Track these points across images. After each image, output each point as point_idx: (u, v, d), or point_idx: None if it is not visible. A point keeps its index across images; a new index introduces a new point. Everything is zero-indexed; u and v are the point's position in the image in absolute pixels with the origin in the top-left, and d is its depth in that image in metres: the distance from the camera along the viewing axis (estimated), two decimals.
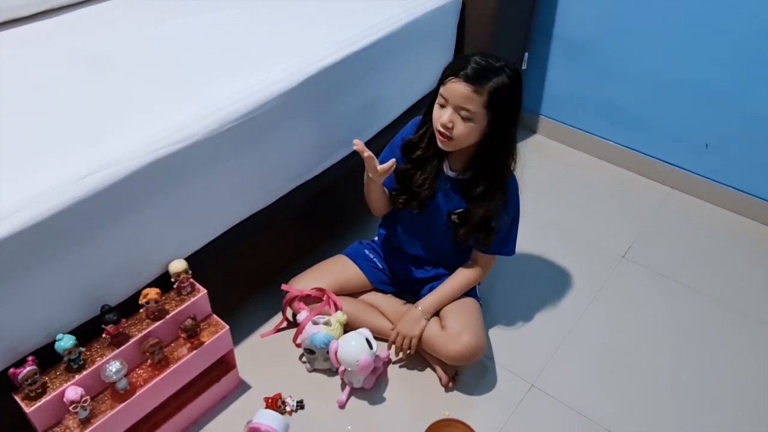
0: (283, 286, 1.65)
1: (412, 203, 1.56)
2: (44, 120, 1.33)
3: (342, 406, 1.54)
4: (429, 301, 1.60)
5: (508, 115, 1.42)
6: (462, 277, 1.62)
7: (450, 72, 1.38)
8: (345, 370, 1.52)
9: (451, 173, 1.54)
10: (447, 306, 1.61)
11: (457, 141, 1.42)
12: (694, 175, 2.27)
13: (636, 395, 1.62)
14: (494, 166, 1.47)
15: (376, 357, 1.53)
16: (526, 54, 2.38)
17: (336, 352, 1.52)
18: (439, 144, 1.45)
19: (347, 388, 1.56)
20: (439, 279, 1.67)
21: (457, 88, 1.36)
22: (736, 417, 1.58)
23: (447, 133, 1.41)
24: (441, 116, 1.40)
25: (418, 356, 1.66)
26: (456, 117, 1.38)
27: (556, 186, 2.34)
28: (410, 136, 1.55)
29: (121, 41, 1.64)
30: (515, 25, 2.21)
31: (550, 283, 1.93)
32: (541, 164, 2.44)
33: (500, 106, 1.38)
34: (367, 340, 1.54)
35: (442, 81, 1.40)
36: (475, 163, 1.50)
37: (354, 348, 1.50)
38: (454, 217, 1.56)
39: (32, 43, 1.63)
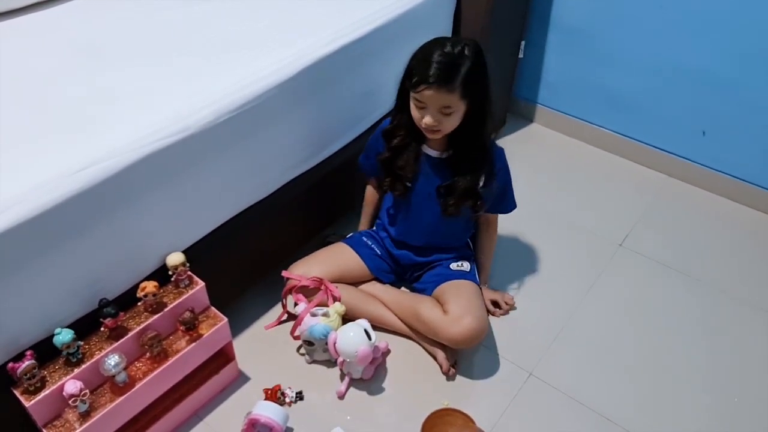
0: (284, 273, 1.65)
1: (396, 186, 1.61)
2: (39, 112, 1.32)
3: (341, 397, 1.55)
4: (484, 278, 1.77)
5: (483, 89, 1.45)
6: (489, 245, 1.76)
7: (418, 78, 1.40)
8: (344, 361, 1.53)
9: (432, 153, 1.57)
10: (448, 290, 1.62)
11: (445, 131, 1.47)
12: (692, 162, 2.27)
13: (634, 383, 1.62)
14: (476, 137, 1.50)
15: (375, 347, 1.54)
16: (523, 42, 2.36)
17: (335, 344, 1.52)
18: (428, 136, 1.50)
19: (346, 379, 1.56)
20: (438, 263, 1.70)
21: (431, 95, 1.40)
22: (734, 403, 1.59)
23: (434, 129, 1.46)
24: (423, 117, 1.45)
25: (416, 346, 1.67)
26: (438, 116, 1.43)
27: (553, 175, 2.34)
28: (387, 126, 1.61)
29: (116, 32, 1.63)
30: (511, 13, 2.20)
31: (548, 271, 1.93)
32: (538, 153, 2.43)
33: (474, 87, 1.41)
34: (366, 331, 1.54)
35: (413, 87, 1.42)
36: (456, 139, 1.53)
37: (353, 339, 1.51)
38: (441, 191, 1.58)
39: (26, 34, 1.62)
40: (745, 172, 2.17)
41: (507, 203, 1.69)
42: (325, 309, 1.58)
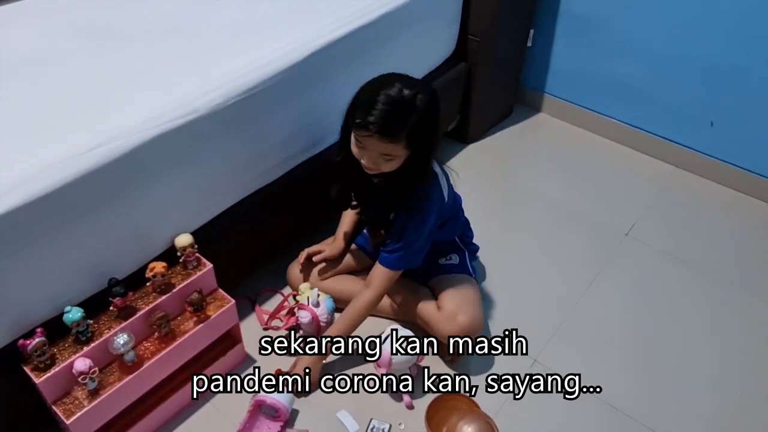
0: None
1: (357, 208, 1.61)
2: (50, 93, 1.33)
3: (411, 406, 1.50)
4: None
5: (430, 139, 1.35)
6: (351, 308, 1.51)
7: (360, 121, 1.29)
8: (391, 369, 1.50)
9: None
10: (440, 285, 1.59)
11: (383, 171, 1.37)
12: (699, 153, 2.26)
13: (638, 372, 1.63)
14: (410, 177, 1.40)
15: None
16: (532, 31, 2.36)
17: (390, 362, 1.47)
18: (366, 170, 1.40)
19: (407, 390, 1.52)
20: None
21: (373, 142, 1.30)
22: (736, 394, 1.59)
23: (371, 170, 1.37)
24: (361, 157, 1.36)
25: (421, 331, 1.68)
26: (378, 159, 1.33)
27: (560, 164, 2.34)
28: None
29: (126, 15, 1.64)
30: (521, 2, 2.19)
31: (554, 260, 1.93)
32: (545, 143, 2.43)
33: (421, 137, 1.32)
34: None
35: (354, 126, 1.32)
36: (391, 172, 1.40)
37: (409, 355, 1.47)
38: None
39: (36, 16, 1.63)
40: (753, 163, 2.17)
41: (393, 256, 1.47)
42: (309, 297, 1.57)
